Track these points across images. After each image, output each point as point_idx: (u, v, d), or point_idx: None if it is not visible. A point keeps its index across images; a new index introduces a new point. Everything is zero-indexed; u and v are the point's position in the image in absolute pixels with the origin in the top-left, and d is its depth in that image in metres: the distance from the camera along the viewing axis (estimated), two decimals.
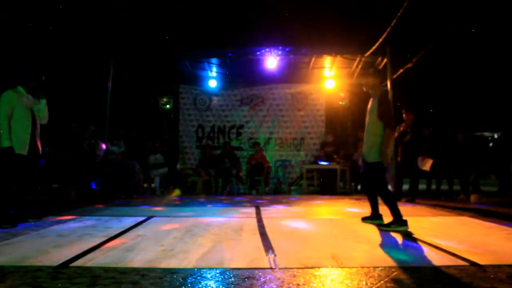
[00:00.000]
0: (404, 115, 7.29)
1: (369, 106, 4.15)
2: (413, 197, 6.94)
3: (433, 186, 8.41)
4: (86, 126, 7.82)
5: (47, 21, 8.05)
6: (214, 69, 10.73)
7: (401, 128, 7.19)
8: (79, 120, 7.86)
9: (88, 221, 4.38)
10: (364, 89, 4.22)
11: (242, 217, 4.87)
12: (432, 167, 7.10)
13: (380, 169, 3.97)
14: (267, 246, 3.09)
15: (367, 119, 4.13)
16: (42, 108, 4.53)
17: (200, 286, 2.11)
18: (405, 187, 7.70)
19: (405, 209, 5.72)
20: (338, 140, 10.05)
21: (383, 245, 3.12)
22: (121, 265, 2.50)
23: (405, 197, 7.04)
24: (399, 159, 7.22)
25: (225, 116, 10.75)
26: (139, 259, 2.65)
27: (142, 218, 4.52)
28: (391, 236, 3.59)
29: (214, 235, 3.58)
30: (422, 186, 8.75)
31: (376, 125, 3.97)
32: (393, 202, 3.92)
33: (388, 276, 2.25)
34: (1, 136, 4.14)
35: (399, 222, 3.84)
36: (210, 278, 2.23)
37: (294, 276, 2.27)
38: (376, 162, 3.94)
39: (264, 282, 2.16)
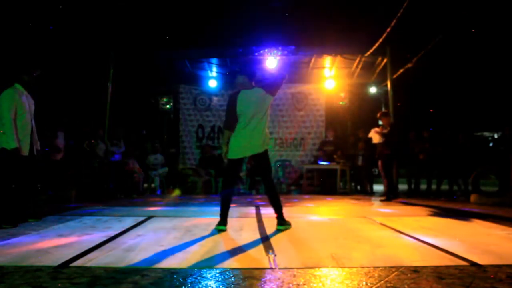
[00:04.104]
0: (380, 119, 7.40)
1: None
2: (389, 197, 7.00)
3: (433, 186, 8.42)
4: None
5: (47, 21, 8.05)
6: (214, 69, 10.73)
7: (384, 131, 7.27)
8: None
9: (88, 221, 4.37)
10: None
11: (242, 217, 4.86)
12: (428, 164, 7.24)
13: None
14: (267, 246, 3.09)
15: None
16: None
17: (200, 286, 2.10)
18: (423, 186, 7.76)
19: (405, 209, 5.73)
20: (338, 140, 10.06)
21: (383, 245, 3.12)
22: (121, 265, 2.50)
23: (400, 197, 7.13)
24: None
25: (225, 116, 10.74)
26: (139, 259, 2.65)
27: (142, 218, 4.52)
28: (391, 236, 3.59)
29: (214, 235, 3.58)
30: (422, 186, 8.77)
31: None
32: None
33: (388, 276, 2.24)
34: (8, 136, 4.10)
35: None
36: (210, 278, 2.23)
37: (294, 276, 2.27)
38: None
39: (264, 282, 2.16)
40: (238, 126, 3.94)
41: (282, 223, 3.87)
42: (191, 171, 9.81)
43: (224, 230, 3.75)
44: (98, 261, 2.61)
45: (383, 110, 7.50)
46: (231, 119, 3.99)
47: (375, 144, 7.58)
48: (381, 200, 7.16)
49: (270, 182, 3.96)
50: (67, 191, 7.12)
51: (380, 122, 7.49)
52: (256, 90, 3.99)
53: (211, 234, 3.61)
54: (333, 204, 6.69)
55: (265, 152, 3.95)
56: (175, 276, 2.26)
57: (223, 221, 3.81)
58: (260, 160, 3.95)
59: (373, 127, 7.73)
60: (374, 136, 7.54)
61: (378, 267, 2.43)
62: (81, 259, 2.65)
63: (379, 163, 7.37)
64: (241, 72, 4.08)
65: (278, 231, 3.76)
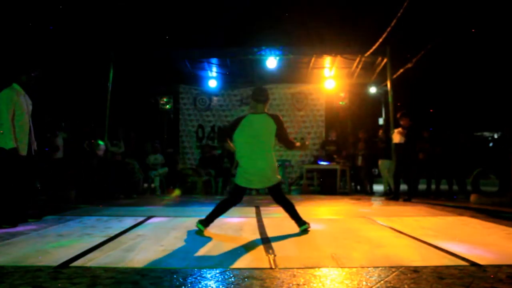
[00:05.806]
0: (400, 120, 7.38)
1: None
2: (410, 197, 7.00)
3: (433, 186, 8.41)
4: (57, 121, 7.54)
5: (47, 21, 8.05)
6: (214, 69, 10.72)
7: (402, 132, 7.26)
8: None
9: (88, 221, 4.37)
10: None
11: (242, 217, 4.87)
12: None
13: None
14: (267, 246, 3.09)
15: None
16: None
17: (200, 286, 2.11)
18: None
19: (405, 209, 5.73)
20: (339, 140, 10.06)
21: (383, 245, 3.12)
22: (121, 265, 2.50)
23: (402, 197, 7.10)
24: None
25: (225, 116, 10.75)
26: (139, 259, 2.65)
27: (142, 218, 4.52)
28: (391, 236, 3.59)
29: (214, 235, 3.58)
30: (422, 186, 8.76)
31: None
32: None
33: (388, 276, 2.25)
34: (6, 136, 4.10)
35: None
36: (210, 278, 2.23)
37: (294, 276, 2.27)
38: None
39: (264, 282, 2.16)
40: (244, 151, 3.77)
41: (302, 224, 3.81)
42: (191, 171, 9.80)
43: (202, 231, 3.66)
44: (98, 261, 2.61)
45: (403, 110, 7.47)
46: (224, 134, 3.90)
47: (396, 144, 7.54)
48: (387, 199, 7.18)
49: (284, 201, 3.94)
50: (67, 191, 7.12)
51: (381, 122, 7.48)
52: (262, 116, 3.85)
53: (212, 234, 3.60)
54: (333, 204, 6.68)
55: (278, 184, 3.86)
56: (175, 276, 2.26)
57: (206, 223, 3.73)
58: (273, 191, 3.91)
59: (373, 127, 7.73)
60: (396, 136, 7.52)
61: (378, 267, 2.43)
62: (81, 259, 2.65)
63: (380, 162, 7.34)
64: (253, 97, 4.02)
65: (301, 232, 3.71)
